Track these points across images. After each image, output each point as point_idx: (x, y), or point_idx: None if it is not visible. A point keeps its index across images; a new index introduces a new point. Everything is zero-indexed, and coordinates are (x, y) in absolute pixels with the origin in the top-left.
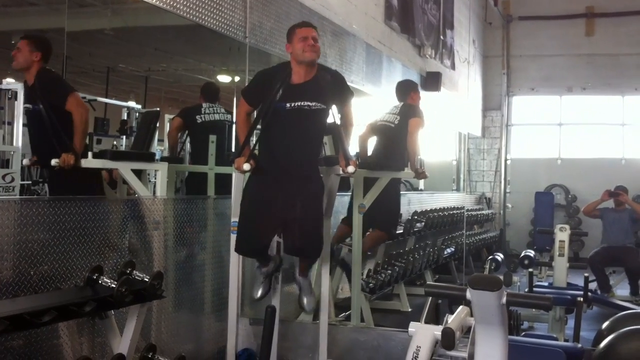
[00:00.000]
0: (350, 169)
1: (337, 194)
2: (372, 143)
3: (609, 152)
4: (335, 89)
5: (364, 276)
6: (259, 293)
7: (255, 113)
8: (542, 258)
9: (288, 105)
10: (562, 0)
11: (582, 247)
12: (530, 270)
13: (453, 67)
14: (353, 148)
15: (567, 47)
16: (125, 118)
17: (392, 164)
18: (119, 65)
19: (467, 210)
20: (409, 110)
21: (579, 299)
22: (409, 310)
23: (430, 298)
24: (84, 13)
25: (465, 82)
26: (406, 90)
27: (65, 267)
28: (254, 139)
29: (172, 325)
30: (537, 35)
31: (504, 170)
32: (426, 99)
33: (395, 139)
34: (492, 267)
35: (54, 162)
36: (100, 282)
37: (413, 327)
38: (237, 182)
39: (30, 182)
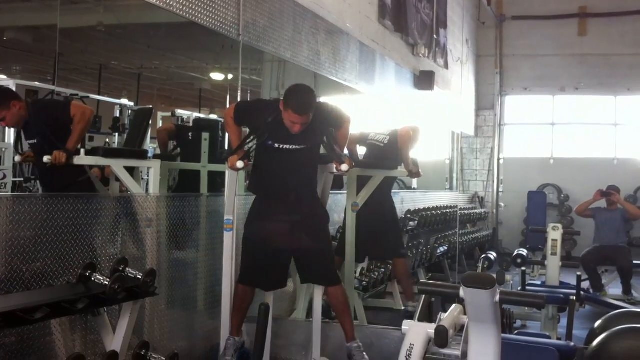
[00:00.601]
0: (344, 167)
1: (331, 192)
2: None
3: (602, 152)
4: (324, 124)
5: (357, 274)
6: None
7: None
8: (535, 257)
9: (277, 145)
10: (555, 0)
11: (575, 247)
12: (523, 269)
13: (446, 66)
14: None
15: (560, 47)
16: (118, 115)
17: (385, 164)
18: (112, 62)
19: (460, 209)
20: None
21: (571, 297)
22: (403, 308)
23: (424, 296)
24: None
25: (458, 81)
26: None
27: (57, 264)
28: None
29: (165, 323)
30: (530, 35)
31: (497, 169)
32: (419, 98)
33: (385, 154)
34: (485, 266)
35: (46, 159)
36: (93, 279)
37: (407, 325)
38: (231, 180)
39: (22, 179)
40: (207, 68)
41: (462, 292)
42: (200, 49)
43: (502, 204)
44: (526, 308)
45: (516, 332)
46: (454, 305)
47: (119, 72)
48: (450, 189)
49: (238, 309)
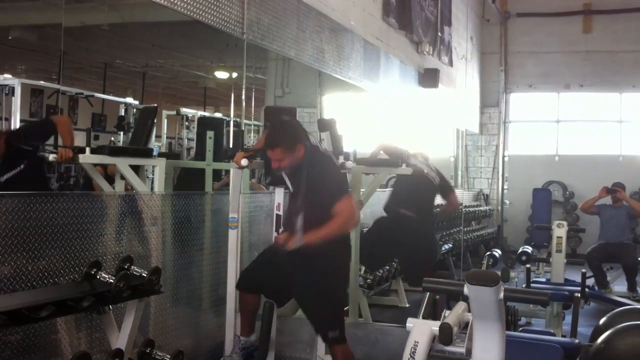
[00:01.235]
0: (349, 164)
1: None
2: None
3: (607, 149)
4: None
5: (362, 272)
6: None
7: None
8: (540, 254)
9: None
10: None
11: (580, 244)
12: (528, 266)
13: (451, 63)
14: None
15: (565, 44)
16: (123, 114)
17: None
18: (116, 61)
19: (465, 206)
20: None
21: (576, 294)
22: (407, 305)
23: (428, 293)
24: (81, 8)
25: (463, 78)
26: None
27: (63, 262)
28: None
29: (170, 321)
30: (534, 32)
31: (502, 166)
32: (424, 96)
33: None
34: (490, 263)
35: (51, 157)
36: (98, 277)
37: (411, 322)
38: (236, 178)
39: None
40: (212, 66)
41: (467, 289)
42: (205, 48)
43: (507, 201)
44: (531, 305)
45: (520, 329)
46: (458, 303)
47: (123, 70)
48: (455, 186)
49: (242, 310)
